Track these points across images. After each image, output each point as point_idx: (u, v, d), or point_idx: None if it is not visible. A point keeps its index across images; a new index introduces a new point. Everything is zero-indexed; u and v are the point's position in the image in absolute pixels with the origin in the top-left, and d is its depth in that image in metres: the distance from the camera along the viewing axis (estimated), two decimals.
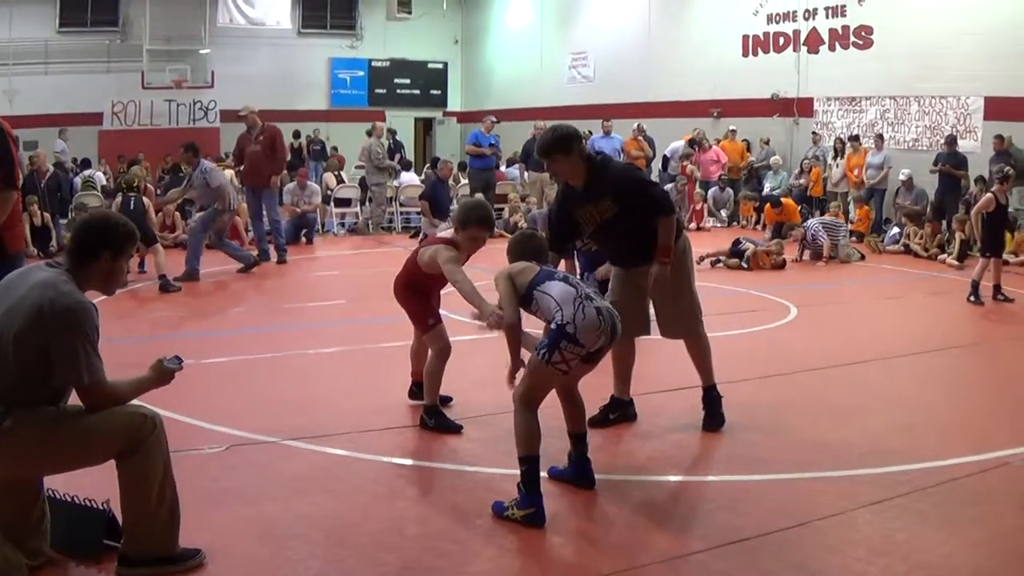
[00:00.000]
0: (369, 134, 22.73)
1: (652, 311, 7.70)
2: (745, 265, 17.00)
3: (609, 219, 7.15)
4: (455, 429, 7.51)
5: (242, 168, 18.34)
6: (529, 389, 5.83)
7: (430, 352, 7.67)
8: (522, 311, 6.09)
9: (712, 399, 7.72)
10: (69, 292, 4.54)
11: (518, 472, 5.80)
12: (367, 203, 23.27)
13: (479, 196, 17.33)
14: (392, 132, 27.26)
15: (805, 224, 18.74)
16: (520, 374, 6.03)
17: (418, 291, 7.54)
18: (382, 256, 18.05)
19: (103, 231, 4.78)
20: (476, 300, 6.79)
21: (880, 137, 22.06)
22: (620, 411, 7.75)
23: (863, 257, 18.66)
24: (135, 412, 4.72)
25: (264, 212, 17.32)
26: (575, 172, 7.14)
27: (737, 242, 17.52)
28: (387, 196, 22.67)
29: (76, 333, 4.47)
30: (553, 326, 5.71)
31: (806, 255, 18.45)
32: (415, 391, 8.06)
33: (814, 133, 24.16)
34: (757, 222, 22.90)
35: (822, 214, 20.71)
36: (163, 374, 4.93)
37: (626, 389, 7.79)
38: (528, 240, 6.55)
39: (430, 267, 7.32)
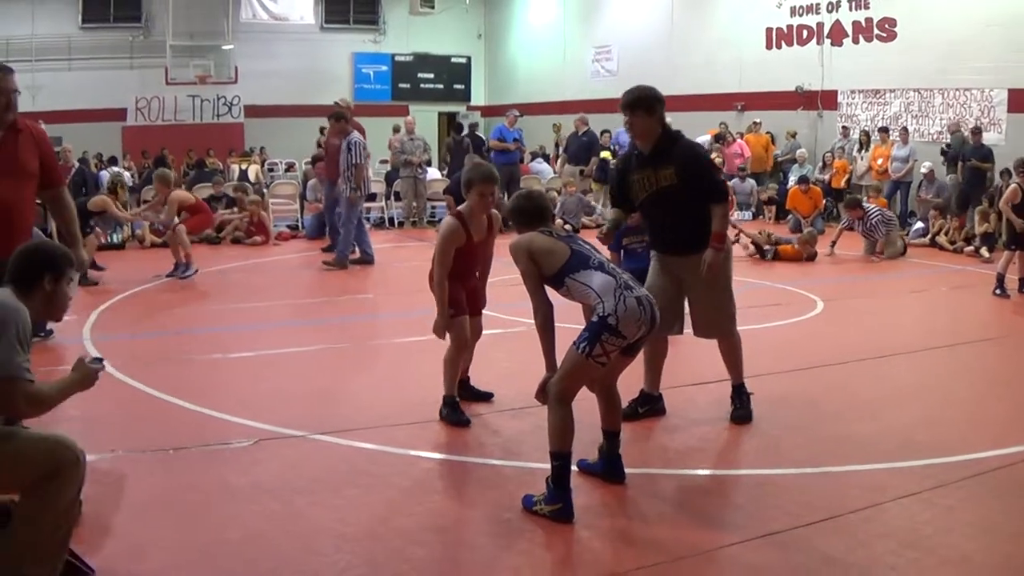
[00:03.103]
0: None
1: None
2: (770, 257, 17.04)
3: (665, 189, 7.22)
4: (463, 423, 7.52)
5: (321, 161, 18.70)
6: (566, 386, 5.78)
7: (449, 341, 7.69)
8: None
9: (742, 396, 7.75)
10: (3, 294, 4.49)
11: (547, 466, 5.80)
12: (391, 198, 23.29)
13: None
14: (473, 126, 27.12)
15: (866, 207, 18.39)
16: None
17: (451, 278, 7.51)
18: (410, 251, 18.06)
19: (43, 256, 4.75)
20: (440, 303, 7.29)
21: (905, 130, 22.02)
22: (649, 405, 7.76)
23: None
24: (59, 441, 4.55)
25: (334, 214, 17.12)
26: (650, 133, 7.28)
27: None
28: (414, 191, 22.48)
29: (6, 324, 4.33)
30: (594, 318, 5.66)
31: (845, 245, 18.26)
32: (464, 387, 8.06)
33: (844, 127, 24.10)
34: (780, 216, 22.90)
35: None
36: (86, 375, 4.75)
37: (656, 384, 7.80)
38: (526, 201, 6.39)
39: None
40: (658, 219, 7.57)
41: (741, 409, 7.70)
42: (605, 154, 23.74)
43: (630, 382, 7.25)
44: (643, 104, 7.23)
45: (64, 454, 4.50)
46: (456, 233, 7.33)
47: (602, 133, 24.64)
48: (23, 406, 4.45)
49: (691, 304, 7.65)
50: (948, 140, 21.31)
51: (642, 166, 7.34)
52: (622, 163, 7.79)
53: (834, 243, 18.17)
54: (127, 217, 16.70)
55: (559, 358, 5.85)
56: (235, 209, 20.10)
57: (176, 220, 14.88)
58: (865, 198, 20.43)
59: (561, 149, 27.38)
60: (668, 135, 7.33)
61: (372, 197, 22.43)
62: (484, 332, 8.12)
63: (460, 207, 7.58)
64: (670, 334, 7.65)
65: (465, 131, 26.76)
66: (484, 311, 8.12)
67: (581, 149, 24.14)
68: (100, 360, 4.86)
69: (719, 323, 7.64)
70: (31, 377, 4.40)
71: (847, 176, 23.37)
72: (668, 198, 7.25)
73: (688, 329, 7.81)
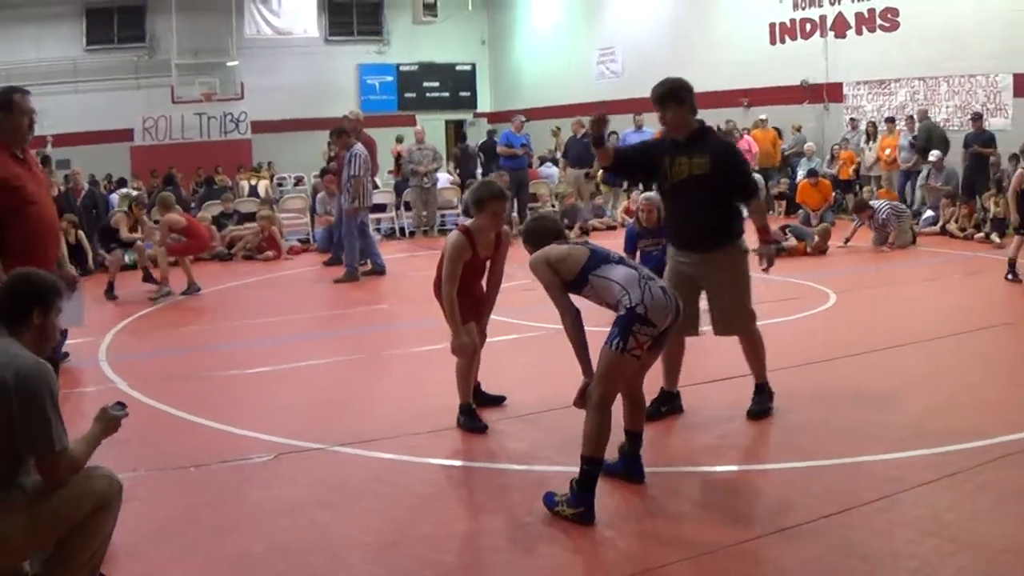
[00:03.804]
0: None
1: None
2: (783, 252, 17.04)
3: (697, 177, 7.27)
4: (479, 430, 7.54)
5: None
6: (606, 389, 5.81)
7: None
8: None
9: (762, 394, 7.79)
10: (23, 354, 4.35)
11: (566, 469, 5.86)
12: (401, 208, 23.28)
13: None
14: (491, 133, 27.11)
15: (873, 204, 18.39)
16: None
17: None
18: (421, 260, 18.03)
19: (31, 288, 4.58)
20: (453, 322, 7.26)
21: (911, 119, 21.97)
22: (669, 404, 7.81)
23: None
24: (102, 475, 4.55)
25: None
26: (684, 123, 7.39)
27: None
28: (423, 200, 22.43)
29: (42, 396, 4.25)
30: (622, 311, 5.71)
31: (858, 237, 18.24)
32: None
33: (852, 119, 24.11)
34: (790, 211, 22.89)
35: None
36: (110, 422, 4.73)
37: (675, 382, 7.85)
38: (541, 222, 6.59)
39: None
40: (682, 210, 7.59)
41: (759, 405, 7.72)
42: None
43: (648, 383, 7.31)
44: (673, 96, 7.34)
45: (111, 486, 4.54)
46: (463, 249, 7.33)
47: (609, 135, 24.51)
48: (64, 474, 4.37)
49: (711, 302, 7.65)
50: (916, 132, 21.51)
51: (677, 151, 7.38)
52: (656, 142, 7.85)
53: (848, 239, 18.18)
54: (132, 238, 16.66)
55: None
56: (247, 225, 20.13)
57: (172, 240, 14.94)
58: (874, 192, 20.47)
59: (559, 153, 27.19)
60: (702, 126, 7.47)
61: (382, 208, 22.45)
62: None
63: (468, 223, 7.63)
64: (687, 335, 7.66)
65: (483, 139, 26.81)
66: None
67: (583, 150, 24.05)
68: (122, 406, 4.83)
69: (741, 321, 7.67)
70: (68, 445, 4.36)
71: (855, 166, 23.35)
72: (699, 187, 7.29)
73: (704, 327, 7.82)
